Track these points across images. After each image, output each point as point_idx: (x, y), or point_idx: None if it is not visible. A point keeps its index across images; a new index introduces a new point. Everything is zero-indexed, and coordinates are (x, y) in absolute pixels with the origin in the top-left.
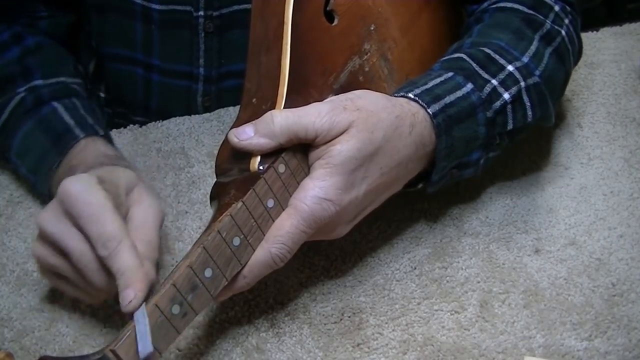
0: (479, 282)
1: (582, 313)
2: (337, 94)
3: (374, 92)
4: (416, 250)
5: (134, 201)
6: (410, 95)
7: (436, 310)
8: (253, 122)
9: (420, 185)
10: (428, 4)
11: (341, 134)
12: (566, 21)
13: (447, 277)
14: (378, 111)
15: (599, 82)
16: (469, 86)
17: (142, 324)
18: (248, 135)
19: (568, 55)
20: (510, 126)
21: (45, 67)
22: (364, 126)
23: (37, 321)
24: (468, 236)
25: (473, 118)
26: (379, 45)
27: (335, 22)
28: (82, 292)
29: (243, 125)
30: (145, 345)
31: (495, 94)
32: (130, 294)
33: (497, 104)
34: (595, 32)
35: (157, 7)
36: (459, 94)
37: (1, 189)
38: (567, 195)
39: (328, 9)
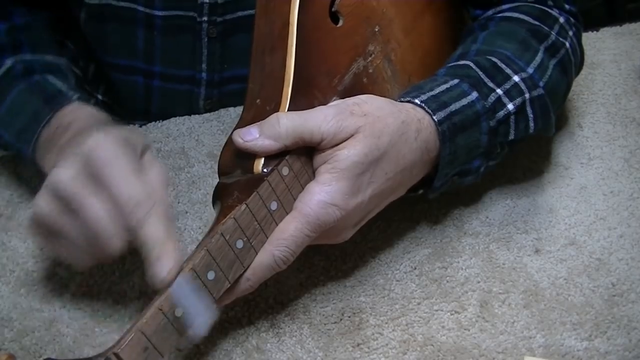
0: (479, 282)
1: (582, 313)
2: (341, 96)
3: (380, 97)
4: (416, 250)
5: (147, 165)
6: (417, 101)
7: (436, 310)
8: (258, 123)
9: (421, 191)
10: (431, 5)
11: (348, 138)
12: (570, 33)
13: (447, 277)
14: (385, 116)
15: (599, 82)
16: (474, 94)
17: (185, 295)
18: (253, 136)
19: (571, 67)
20: (512, 136)
21: (35, 44)
22: (371, 131)
23: (37, 321)
24: (468, 236)
25: (477, 127)
26: (383, 46)
27: (340, 23)
28: (79, 255)
29: (248, 126)
30: (202, 317)
31: (499, 103)
32: (167, 265)
33: (501, 114)
34: (595, 32)
35: (159, 13)
36: (464, 101)
37: (1, 189)
38: (567, 195)
39: (333, 10)
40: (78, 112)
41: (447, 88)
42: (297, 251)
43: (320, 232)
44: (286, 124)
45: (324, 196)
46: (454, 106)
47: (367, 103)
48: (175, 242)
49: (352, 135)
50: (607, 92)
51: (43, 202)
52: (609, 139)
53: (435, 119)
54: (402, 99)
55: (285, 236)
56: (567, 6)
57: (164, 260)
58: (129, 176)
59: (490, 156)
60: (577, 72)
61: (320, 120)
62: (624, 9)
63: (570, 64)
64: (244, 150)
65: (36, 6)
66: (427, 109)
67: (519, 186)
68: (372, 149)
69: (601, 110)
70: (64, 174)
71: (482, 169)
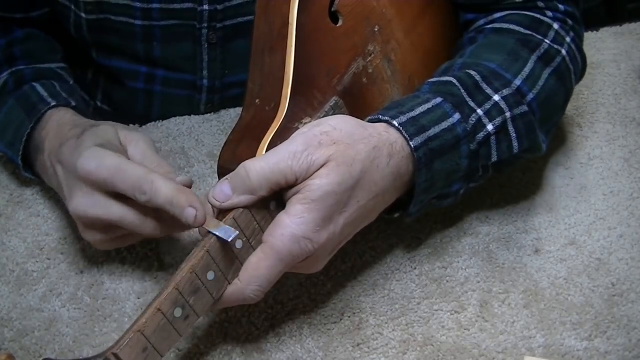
0: (479, 282)
1: (582, 313)
2: (341, 96)
3: (350, 121)
4: (416, 250)
5: (127, 143)
6: (395, 123)
7: (436, 310)
8: (227, 177)
9: (397, 215)
10: (431, 5)
11: (319, 169)
12: (568, 39)
13: (447, 277)
14: (355, 143)
15: (599, 82)
16: (456, 116)
17: (218, 230)
18: (227, 195)
19: (569, 75)
20: (494, 158)
21: (31, 55)
22: (343, 160)
23: (37, 321)
24: (468, 236)
25: (456, 151)
26: (383, 46)
27: (340, 23)
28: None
29: (218, 184)
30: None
31: (479, 124)
32: (192, 210)
33: (481, 135)
34: (595, 32)
35: (158, 23)
36: (444, 125)
37: (1, 189)
38: (567, 195)
39: (333, 9)
40: (50, 125)
41: (428, 109)
42: (270, 287)
43: (293, 264)
44: (256, 175)
45: (295, 229)
46: (433, 130)
47: (337, 129)
48: (188, 190)
49: (323, 165)
50: (607, 92)
51: (87, 234)
52: (609, 139)
53: (412, 145)
54: (381, 117)
55: (258, 274)
56: (561, 6)
57: (189, 207)
58: (120, 170)
59: (471, 179)
60: (579, 79)
61: (290, 160)
62: (624, 9)
63: (569, 71)
64: (224, 210)
65: (35, 23)
66: (404, 134)
67: (519, 186)
68: (345, 177)
69: (601, 110)
70: (78, 204)
71: (462, 191)
